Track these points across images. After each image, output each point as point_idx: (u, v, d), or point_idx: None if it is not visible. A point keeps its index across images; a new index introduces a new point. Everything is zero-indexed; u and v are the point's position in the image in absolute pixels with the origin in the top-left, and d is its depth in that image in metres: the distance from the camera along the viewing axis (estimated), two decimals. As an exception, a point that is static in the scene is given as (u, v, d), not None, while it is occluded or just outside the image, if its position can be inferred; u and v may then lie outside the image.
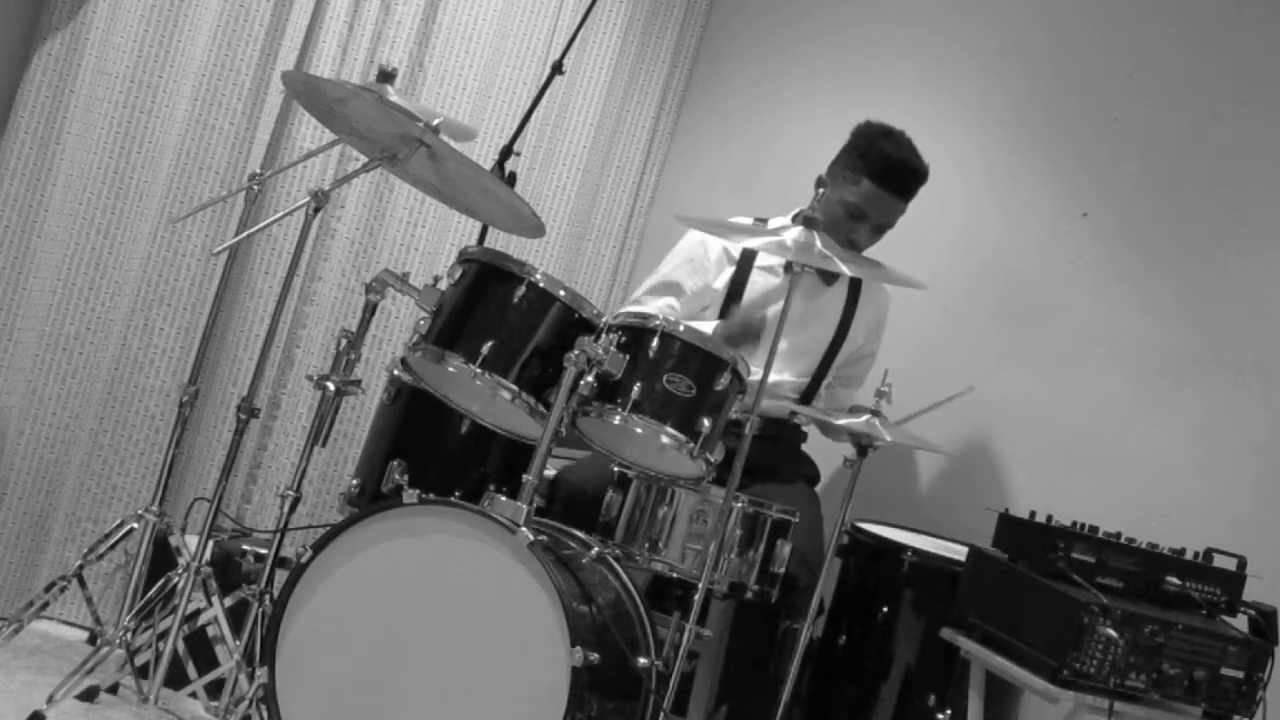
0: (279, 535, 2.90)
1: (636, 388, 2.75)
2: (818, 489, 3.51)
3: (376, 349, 3.72)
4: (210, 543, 2.92)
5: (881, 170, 3.30)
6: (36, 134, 3.29)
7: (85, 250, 3.44)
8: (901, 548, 3.18)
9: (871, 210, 3.32)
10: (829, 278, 3.46)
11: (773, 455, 3.35)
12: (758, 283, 3.40)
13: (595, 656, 2.53)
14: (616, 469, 2.95)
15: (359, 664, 2.65)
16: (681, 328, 2.81)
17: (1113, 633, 2.65)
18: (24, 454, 3.43)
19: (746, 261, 3.41)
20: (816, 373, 3.47)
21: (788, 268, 3.30)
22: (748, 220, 3.40)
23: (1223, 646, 2.75)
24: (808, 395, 3.47)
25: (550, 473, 3.21)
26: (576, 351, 2.72)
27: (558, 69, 3.40)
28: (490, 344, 2.78)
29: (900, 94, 3.86)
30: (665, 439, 2.75)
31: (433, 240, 3.80)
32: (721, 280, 3.40)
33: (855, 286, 3.50)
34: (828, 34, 4.07)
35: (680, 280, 3.43)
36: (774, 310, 3.33)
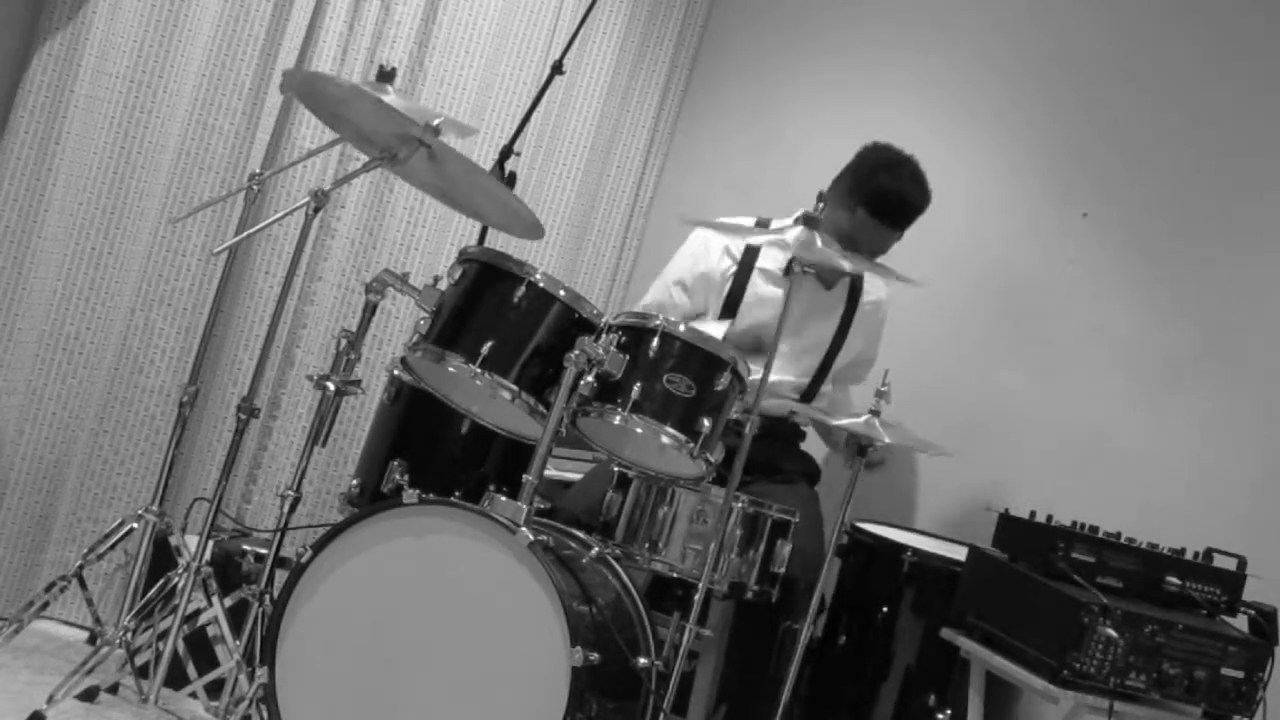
0: (279, 535, 2.90)
1: (636, 388, 2.75)
2: (816, 487, 3.51)
3: (376, 349, 3.72)
4: (210, 543, 2.92)
5: (876, 204, 3.31)
6: (36, 134, 3.29)
7: (85, 250, 3.44)
8: (901, 548, 3.18)
9: (863, 239, 3.32)
10: (828, 282, 3.47)
11: (772, 453, 3.36)
12: (759, 286, 3.41)
13: (595, 656, 2.53)
14: (616, 470, 2.95)
15: (359, 664, 2.65)
16: (682, 328, 2.82)
17: (1113, 633, 2.65)
18: (24, 454, 3.42)
19: (748, 263, 3.42)
20: (817, 374, 3.48)
21: (788, 271, 3.31)
22: (750, 221, 3.41)
23: (1223, 646, 2.75)
24: (809, 395, 3.47)
25: (551, 472, 3.21)
26: (576, 351, 2.72)
27: (558, 69, 3.40)
28: (490, 344, 2.77)
29: (900, 94, 3.86)
30: (665, 439, 2.75)
31: (433, 240, 3.80)
32: (720, 270, 3.42)
33: (855, 292, 3.51)
34: (828, 34, 4.07)
35: (683, 275, 3.46)
36: (774, 316, 3.34)
